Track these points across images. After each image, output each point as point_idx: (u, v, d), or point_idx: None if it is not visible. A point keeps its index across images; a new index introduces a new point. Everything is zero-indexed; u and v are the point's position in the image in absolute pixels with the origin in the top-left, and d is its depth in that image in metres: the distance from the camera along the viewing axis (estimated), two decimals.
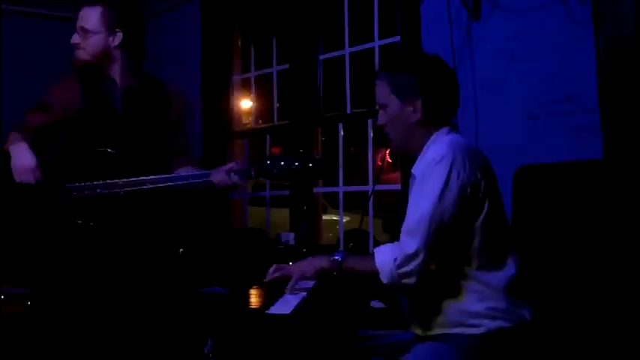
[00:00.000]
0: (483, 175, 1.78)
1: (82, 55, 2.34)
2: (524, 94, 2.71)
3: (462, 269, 1.78)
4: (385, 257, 1.76)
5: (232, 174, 2.17)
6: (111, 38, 2.32)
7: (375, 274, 1.76)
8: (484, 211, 1.77)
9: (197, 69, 4.33)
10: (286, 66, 3.99)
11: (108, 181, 2.23)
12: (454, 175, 1.73)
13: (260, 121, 4.77)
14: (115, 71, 2.37)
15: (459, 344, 1.76)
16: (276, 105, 4.23)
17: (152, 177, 2.23)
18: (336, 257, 1.86)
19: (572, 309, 2.08)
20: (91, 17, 2.31)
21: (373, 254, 1.79)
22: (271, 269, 1.96)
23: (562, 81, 2.59)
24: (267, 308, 1.83)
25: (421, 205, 1.75)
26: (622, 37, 2.39)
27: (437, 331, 1.82)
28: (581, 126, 2.52)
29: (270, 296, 1.94)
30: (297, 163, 2.11)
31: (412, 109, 1.86)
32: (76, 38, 2.34)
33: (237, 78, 4.43)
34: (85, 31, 2.32)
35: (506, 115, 2.76)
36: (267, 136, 4.23)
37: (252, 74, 4.39)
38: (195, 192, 2.26)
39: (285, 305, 1.84)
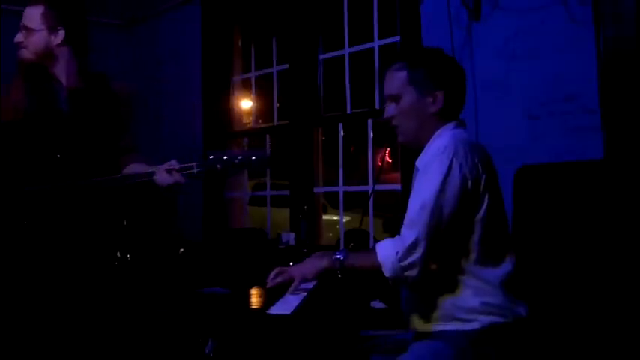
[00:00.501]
0: (485, 169, 1.78)
1: (26, 54, 2.33)
2: (524, 94, 2.71)
3: (460, 263, 1.78)
4: (387, 251, 1.76)
5: (174, 172, 2.13)
6: (52, 36, 2.32)
7: (377, 269, 1.76)
8: (484, 206, 1.77)
9: (197, 69, 4.33)
10: (286, 66, 3.99)
11: (54, 184, 2.20)
12: (456, 167, 1.74)
13: (260, 121, 4.77)
14: (60, 70, 2.36)
15: (455, 341, 1.76)
16: (276, 105, 4.23)
17: (98, 179, 2.20)
18: (338, 256, 1.86)
19: (572, 308, 2.08)
20: (33, 15, 2.31)
21: (375, 249, 1.79)
22: (272, 274, 1.96)
23: (562, 81, 2.59)
24: (268, 308, 1.83)
25: (422, 195, 1.76)
26: (622, 37, 2.39)
27: (434, 325, 1.82)
28: (582, 126, 2.52)
29: (271, 296, 1.94)
30: (240, 157, 2.08)
31: (431, 99, 1.87)
32: (19, 37, 2.33)
33: (237, 78, 4.43)
34: (28, 30, 2.32)
35: (507, 115, 2.76)
36: (267, 136, 4.23)
37: (252, 74, 4.39)
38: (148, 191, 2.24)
39: (285, 305, 1.84)
